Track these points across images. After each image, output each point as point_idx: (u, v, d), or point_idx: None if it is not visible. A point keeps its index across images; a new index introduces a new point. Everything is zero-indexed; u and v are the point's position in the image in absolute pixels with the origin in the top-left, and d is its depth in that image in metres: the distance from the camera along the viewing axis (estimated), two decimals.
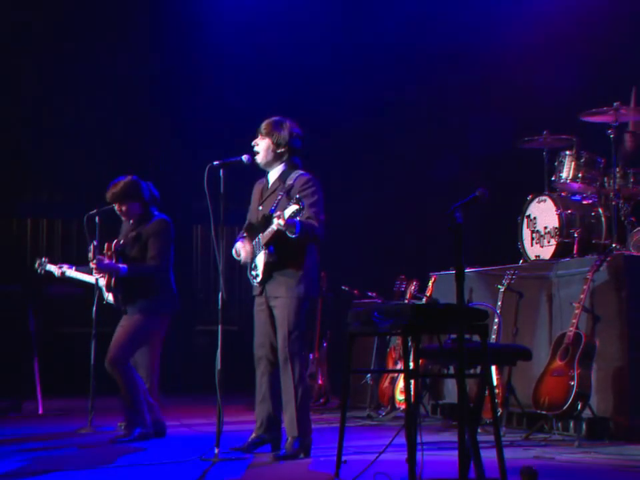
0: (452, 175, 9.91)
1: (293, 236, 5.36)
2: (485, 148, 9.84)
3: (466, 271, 7.22)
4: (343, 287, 9.00)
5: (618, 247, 6.79)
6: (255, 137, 5.77)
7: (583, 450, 5.74)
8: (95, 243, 6.57)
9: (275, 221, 5.28)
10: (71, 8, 10.63)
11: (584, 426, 6.23)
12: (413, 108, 10.40)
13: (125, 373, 6.36)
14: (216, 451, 5.42)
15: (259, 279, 5.64)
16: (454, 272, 4.19)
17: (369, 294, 8.63)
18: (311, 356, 9.14)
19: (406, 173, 10.78)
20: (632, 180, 7.05)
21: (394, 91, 10.38)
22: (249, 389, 8.34)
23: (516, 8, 9.61)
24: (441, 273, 7.83)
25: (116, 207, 6.66)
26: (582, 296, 6.20)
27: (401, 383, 7.51)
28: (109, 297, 7.05)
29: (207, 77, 11.10)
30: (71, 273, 7.05)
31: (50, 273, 7.13)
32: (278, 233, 5.41)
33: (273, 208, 5.58)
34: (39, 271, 7.21)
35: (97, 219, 7.08)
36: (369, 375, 8.22)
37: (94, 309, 6.96)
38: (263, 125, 5.75)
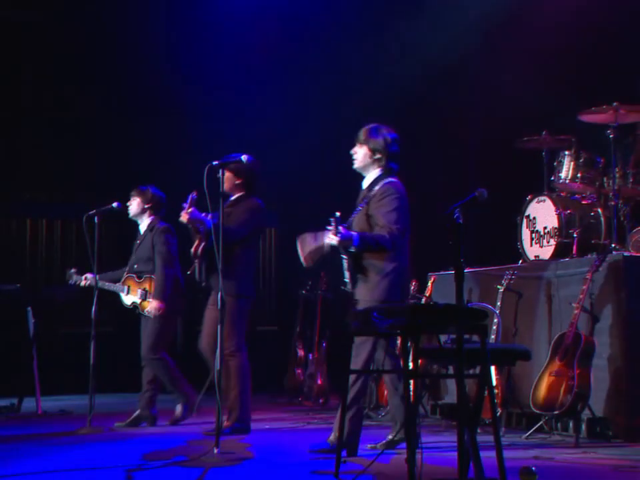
0: (452, 176, 9.91)
1: (353, 250, 5.52)
2: (485, 148, 9.84)
3: (465, 271, 7.23)
4: (343, 287, 8.99)
5: (617, 247, 6.79)
6: (353, 145, 5.85)
7: (582, 450, 5.73)
8: (193, 195, 6.50)
9: (331, 235, 5.45)
10: (76, 8, 10.65)
11: (583, 426, 6.22)
12: (412, 109, 10.41)
13: (240, 364, 6.60)
14: (215, 451, 5.42)
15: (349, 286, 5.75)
16: (453, 272, 4.19)
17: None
18: (311, 356, 9.15)
19: (405, 173, 10.76)
20: (631, 180, 7.04)
21: (394, 92, 10.40)
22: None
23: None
24: (441, 273, 7.83)
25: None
26: (581, 296, 6.20)
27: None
28: (127, 299, 7.38)
29: (207, 77, 11.10)
30: (113, 287, 7.46)
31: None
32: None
33: (351, 218, 5.74)
34: (73, 281, 7.64)
35: (96, 219, 7.09)
36: None
37: (93, 309, 6.97)
38: (361, 133, 5.84)
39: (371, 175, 5.80)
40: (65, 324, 10.69)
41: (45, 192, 11.26)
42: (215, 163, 5.69)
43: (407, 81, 10.16)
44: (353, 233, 5.50)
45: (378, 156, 5.76)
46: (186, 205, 6.42)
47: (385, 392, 7.90)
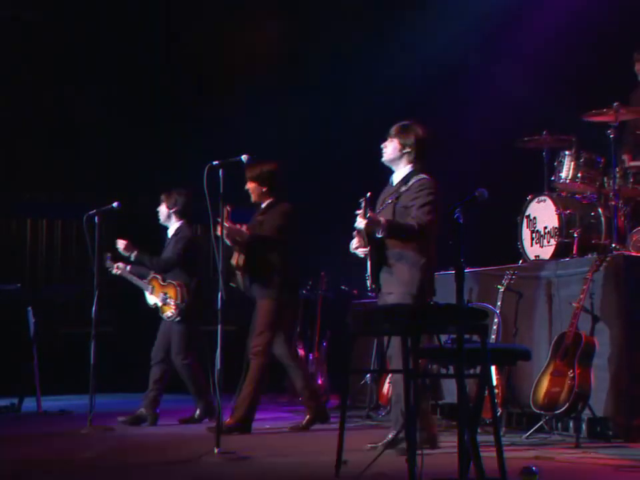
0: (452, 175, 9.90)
1: (379, 235, 5.52)
2: (485, 148, 9.84)
3: (465, 271, 7.22)
4: (343, 287, 8.99)
5: (618, 247, 6.78)
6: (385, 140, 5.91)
7: (582, 450, 5.73)
8: (228, 208, 6.60)
9: (359, 219, 5.47)
10: (76, 8, 10.66)
11: (584, 426, 6.22)
12: (412, 110, 10.39)
13: (260, 365, 6.74)
14: (215, 450, 5.42)
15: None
16: (453, 272, 4.19)
17: (369, 294, 8.62)
18: (311, 356, 9.14)
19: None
20: (632, 180, 7.05)
21: (394, 92, 10.39)
22: None
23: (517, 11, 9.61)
24: (441, 273, 7.81)
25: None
26: (581, 296, 6.19)
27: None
28: (151, 299, 7.46)
29: (207, 76, 11.10)
30: (125, 273, 7.52)
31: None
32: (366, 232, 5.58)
33: (377, 212, 5.75)
34: (107, 266, 7.64)
35: (96, 218, 7.09)
36: (368, 375, 8.21)
37: (94, 309, 6.96)
38: (393, 128, 5.89)
39: (402, 170, 5.86)
40: (65, 324, 10.68)
41: (45, 192, 11.26)
42: (214, 163, 5.70)
43: (407, 81, 10.16)
44: (381, 218, 5.54)
45: (407, 150, 5.83)
46: (222, 220, 6.53)
47: (386, 392, 7.90)
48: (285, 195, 7.02)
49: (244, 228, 6.76)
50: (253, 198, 7.02)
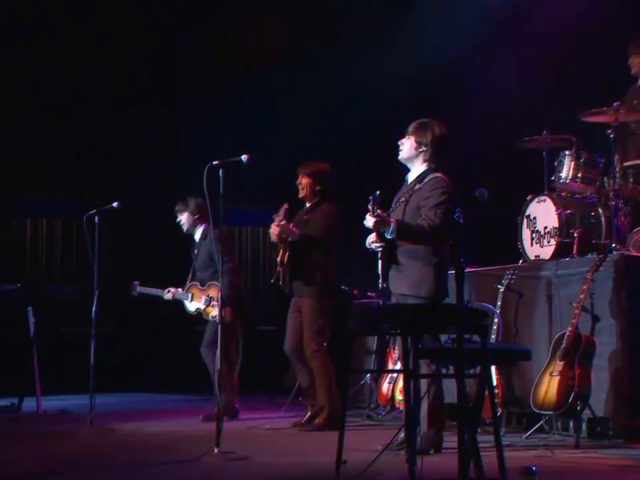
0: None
1: (388, 236, 5.48)
2: (485, 148, 9.84)
3: (465, 271, 7.22)
4: (343, 287, 8.98)
5: (617, 247, 6.78)
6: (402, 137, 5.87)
7: (582, 450, 5.74)
8: (285, 205, 6.76)
9: (367, 217, 5.43)
10: (75, 7, 10.66)
11: (584, 426, 6.22)
12: (412, 110, 10.38)
13: (323, 363, 6.89)
14: (215, 450, 5.42)
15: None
16: (453, 272, 4.19)
17: (369, 294, 8.62)
18: None
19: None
20: (632, 180, 7.05)
21: (394, 92, 10.40)
22: (248, 389, 8.37)
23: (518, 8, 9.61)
24: None
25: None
26: (581, 296, 6.19)
27: (400, 383, 7.50)
28: (192, 305, 7.64)
29: (207, 77, 11.10)
30: (180, 296, 7.72)
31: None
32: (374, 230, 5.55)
33: (390, 210, 5.73)
34: (133, 294, 7.87)
35: (96, 218, 7.09)
36: (368, 375, 8.21)
37: (94, 309, 6.96)
38: (410, 125, 5.84)
39: (417, 168, 5.79)
40: (65, 324, 10.68)
41: (45, 192, 11.26)
42: (214, 162, 5.70)
43: (406, 81, 10.16)
44: (391, 219, 5.47)
45: (423, 149, 5.75)
46: (277, 217, 6.58)
47: (386, 391, 7.90)
48: (330, 196, 7.06)
49: (291, 226, 6.87)
50: (302, 193, 7.07)
